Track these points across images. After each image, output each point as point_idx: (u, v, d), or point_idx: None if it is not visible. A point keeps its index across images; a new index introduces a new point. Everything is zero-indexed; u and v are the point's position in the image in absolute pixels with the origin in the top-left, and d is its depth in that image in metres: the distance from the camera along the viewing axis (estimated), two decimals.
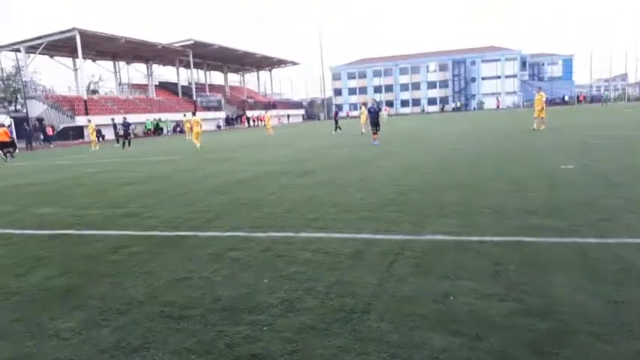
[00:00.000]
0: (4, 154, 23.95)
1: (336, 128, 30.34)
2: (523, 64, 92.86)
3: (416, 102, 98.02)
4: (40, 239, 6.22)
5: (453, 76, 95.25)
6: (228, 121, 62.86)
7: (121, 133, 29.29)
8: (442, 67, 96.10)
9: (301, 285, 3.98)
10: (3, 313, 3.75)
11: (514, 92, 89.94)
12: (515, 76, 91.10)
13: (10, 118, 36.89)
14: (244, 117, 67.03)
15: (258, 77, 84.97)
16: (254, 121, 66.75)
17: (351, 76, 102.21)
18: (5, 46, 44.16)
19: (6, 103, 46.50)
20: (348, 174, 10.81)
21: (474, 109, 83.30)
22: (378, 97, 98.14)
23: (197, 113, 29.02)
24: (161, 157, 19.73)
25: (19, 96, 46.01)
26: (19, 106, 45.48)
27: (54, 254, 5.41)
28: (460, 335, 2.97)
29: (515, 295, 3.50)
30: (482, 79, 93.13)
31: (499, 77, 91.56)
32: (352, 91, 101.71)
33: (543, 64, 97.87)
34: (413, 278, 3.97)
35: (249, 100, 75.47)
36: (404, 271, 4.15)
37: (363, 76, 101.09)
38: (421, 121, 47.26)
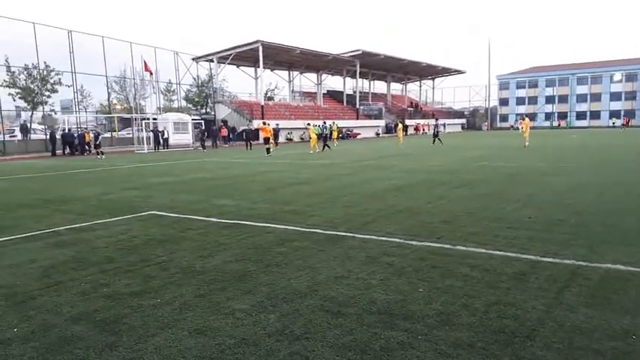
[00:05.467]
0: (267, 150, 27.04)
1: (434, 141, 32.12)
2: None
3: (594, 114, 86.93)
4: (221, 227, 7.07)
5: None
6: (388, 129, 63.49)
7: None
8: (630, 77, 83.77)
9: (458, 299, 3.88)
10: (190, 289, 4.35)
11: None
12: None
13: (202, 119, 42.61)
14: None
15: (420, 85, 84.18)
16: (415, 130, 66.45)
17: (520, 85, 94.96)
18: (202, 57, 51.04)
19: (199, 107, 53.63)
20: (513, 189, 10.14)
21: None
22: (550, 107, 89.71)
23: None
24: (323, 160, 20.79)
25: (209, 100, 52.63)
26: (208, 109, 52.03)
27: (231, 241, 6.11)
28: None
29: None
30: None
31: None
32: (520, 101, 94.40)
33: None
34: (586, 309, 3.59)
35: (409, 109, 75.17)
36: (576, 300, 3.78)
37: (534, 85, 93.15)
38: (598, 135, 41.84)
